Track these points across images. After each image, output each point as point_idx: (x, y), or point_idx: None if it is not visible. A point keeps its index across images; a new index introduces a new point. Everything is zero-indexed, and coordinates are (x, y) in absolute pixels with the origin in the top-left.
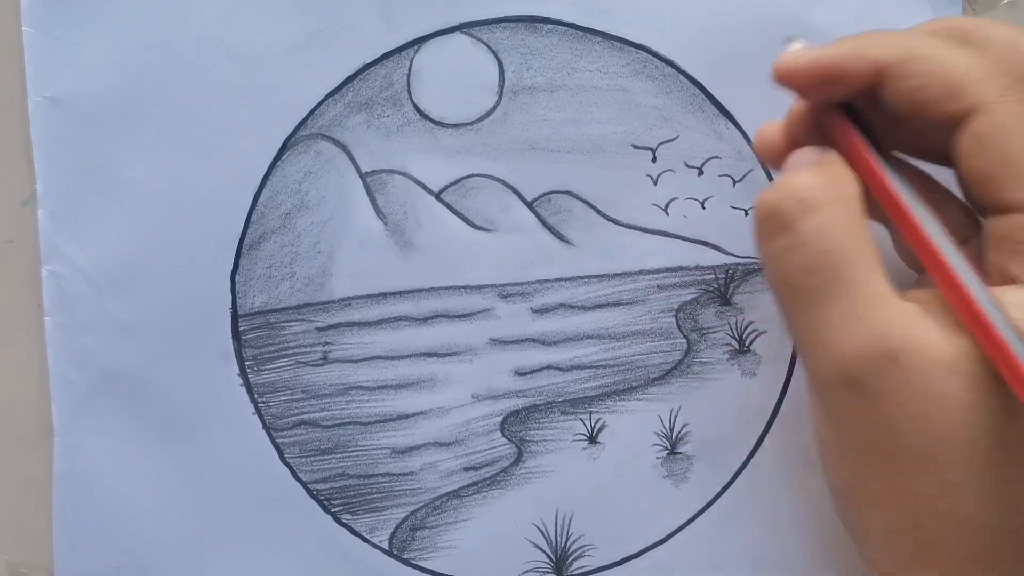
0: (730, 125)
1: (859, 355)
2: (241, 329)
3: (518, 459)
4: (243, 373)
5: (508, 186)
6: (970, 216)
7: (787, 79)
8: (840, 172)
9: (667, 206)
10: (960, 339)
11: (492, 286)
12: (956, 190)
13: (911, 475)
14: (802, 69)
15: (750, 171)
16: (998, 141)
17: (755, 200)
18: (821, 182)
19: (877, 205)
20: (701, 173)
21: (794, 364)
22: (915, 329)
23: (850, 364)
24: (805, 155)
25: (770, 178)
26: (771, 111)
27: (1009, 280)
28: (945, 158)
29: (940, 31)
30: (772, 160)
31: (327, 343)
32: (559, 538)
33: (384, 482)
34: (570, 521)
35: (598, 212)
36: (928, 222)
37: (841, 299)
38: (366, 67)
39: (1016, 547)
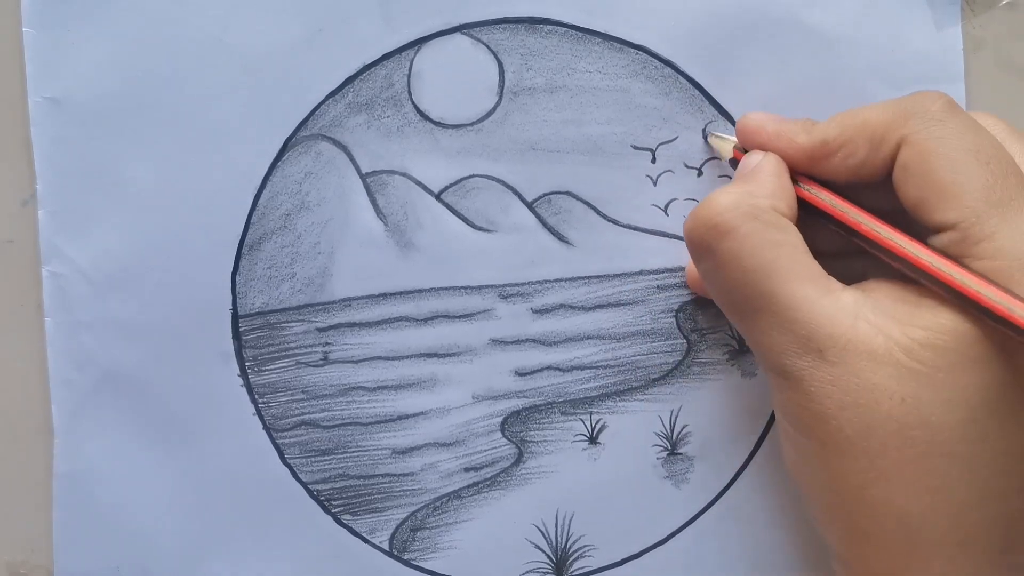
0: (729, 126)
1: (790, 354)
2: (241, 330)
3: (518, 460)
4: (243, 374)
5: (508, 187)
6: None
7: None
8: (756, 188)
9: (667, 207)
10: (891, 328)
11: (492, 286)
12: None
13: (842, 461)
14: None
15: None
16: (922, 167)
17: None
18: (733, 202)
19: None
20: (700, 174)
21: None
22: (842, 326)
23: (783, 362)
24: (743, 166)
25: None
26: (770, 112)
27: None
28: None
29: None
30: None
31: (327, 344)
32: (559, 539)
33: (384, 483)
34: (570, 522)
35: (598, 213)
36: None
37: (767, 309)
38: (366, 68)
39: (955, 536)
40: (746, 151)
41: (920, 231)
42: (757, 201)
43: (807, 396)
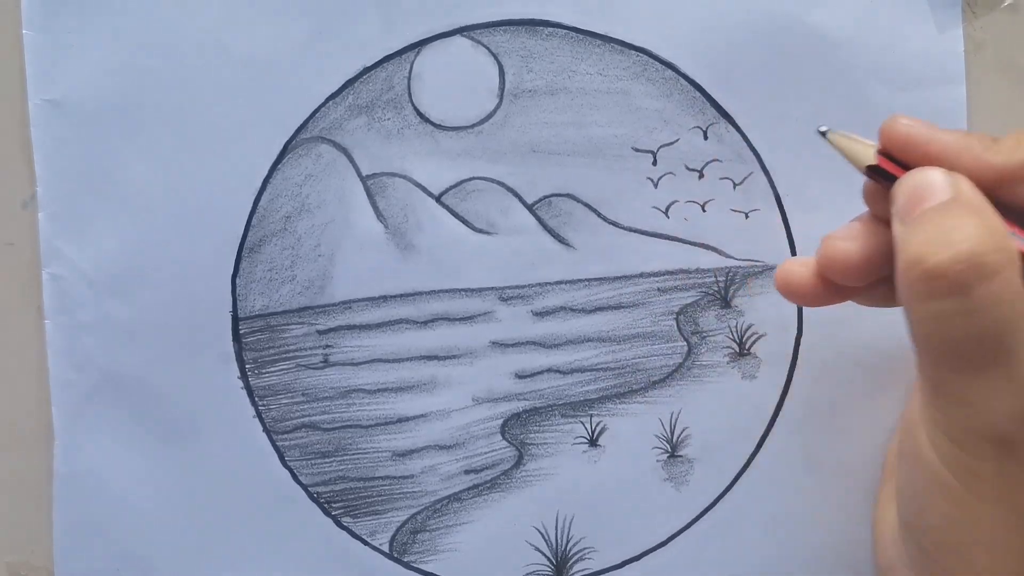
0: (730, 128)
1: (1017, 419)
2: (242, 332)
3: (518, 462)
4: (244, 376)
5: (509, 189)
6: None
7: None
8: (997, 223)
9: (667, 209)
10: None
11: (493, 289)
12: None
13: None
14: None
15: (750, 174)
16: None
17: (910, 252)
18: (991, 240)
19: None
20: (701, 176)
21: (794, 367)
22: None
23: (1005, 427)
24: (930, 187)
25: (770, 180)
26: (771, 114)
27: None
28: None
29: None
30: (801, 298)
31: (328, 346)
32: (559, 541)
33: (385, 485)
34: (570, 524)
35: (598, 215)
36: None
37: (1004, 368)
38: (367, 70)
39: None
40: (893, 159)
41: None
42: (1011, 244)
43: (1021, 461)
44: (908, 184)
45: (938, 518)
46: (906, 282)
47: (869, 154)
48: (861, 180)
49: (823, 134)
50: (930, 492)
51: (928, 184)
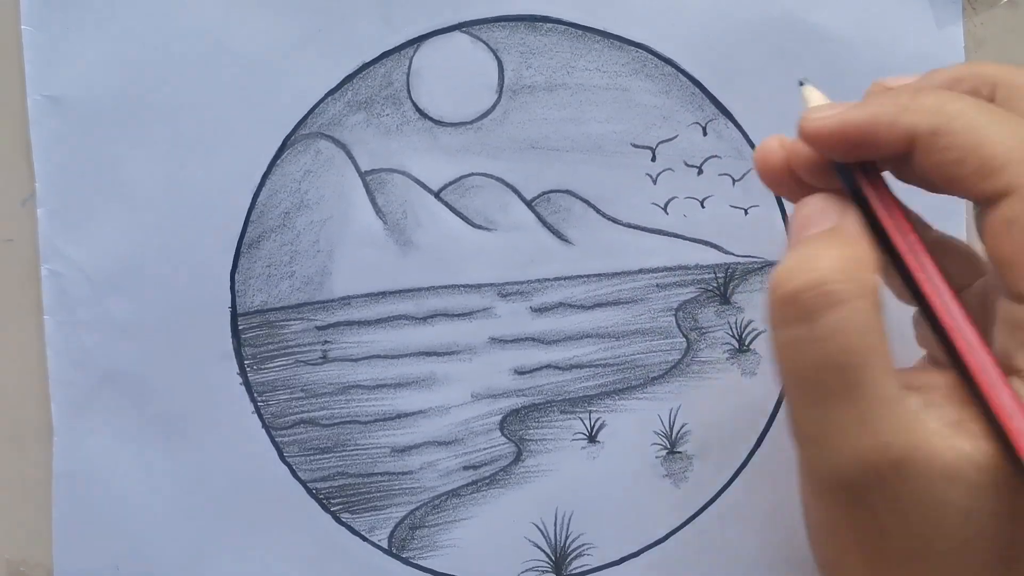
0: (729, 124)
1: (863, 463)
2: (241, 328)
3: (517, 458)
4: (243, 372)
5: (508, 185)
6: (971, 263)
7: (813, 142)
8: (863, 254)
9: (666, 205)
10: (961, 442)
11: (492, 285)
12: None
13: (896, 572)
14: (828, 133)
15: (749, 170)
16: None
17: (771, 278)
18: (845, 269)
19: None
20: (700, 172)
21: None
22: (918, 436)
23: (852, 471)
24: (820, 214)
25: None
26: (770, 111)
27: (1012, 371)
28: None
29: (970, 85)
30: (773, 183)
31: (327, 342)
32: (558, 537)
33: (383, 481)
34: (569, 520)
35: (597, 211)
36: (955, 315)
37: (852, 401)
38: (365, 66)
39: None
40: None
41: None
42: (867, 275)
43: (869, 510)
44: (799, 212)
45: (818, 557)
46: (767, 308)
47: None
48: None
49: (801, 83)
50: (807, 531)
51: (813, 213)
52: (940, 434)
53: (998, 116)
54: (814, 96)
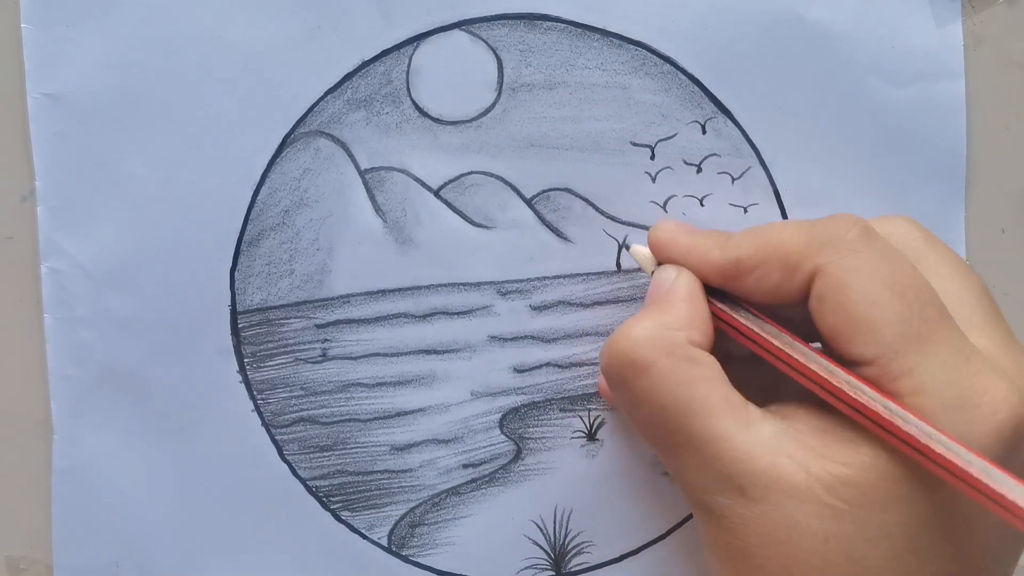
0: (728, 122)
1: (712, 491)
2: (240, 326)
3: (517, 456)
4: (242, 370)
5: (507, 183)
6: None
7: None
8: (675, 317)
9: (665, 203)
10: (815, 465)
11: (491, 283)
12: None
13: None
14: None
15: (748, 168)
16: (837, 300)
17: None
18: (651, 336)
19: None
20: (699, 170)
21: None
22: (763, 462)
23: (704, 499)
24: (662, 281)
25: (768, 175)
26: (769, 109)
27: None
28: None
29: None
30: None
31: (326, 340)
32: (558, 535)
33: (383, 479)
34: (569, 518)
35: (597, 209)
36: (784, 339)
37: (686, 446)
38: (365, 64)
39: None
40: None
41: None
42: (672, 335)
43: (730, 533)
44: (653, 278)
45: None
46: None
47: (651, 263)
48: (859, 175)
49: (626, 248)
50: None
51: (658, 280)
52: (793, 457)
53: (796, 225)
54: (641, 255)
